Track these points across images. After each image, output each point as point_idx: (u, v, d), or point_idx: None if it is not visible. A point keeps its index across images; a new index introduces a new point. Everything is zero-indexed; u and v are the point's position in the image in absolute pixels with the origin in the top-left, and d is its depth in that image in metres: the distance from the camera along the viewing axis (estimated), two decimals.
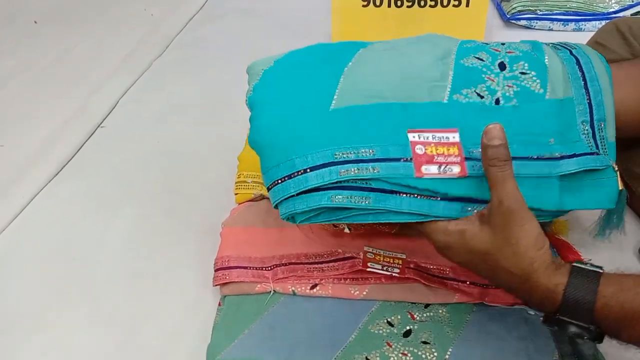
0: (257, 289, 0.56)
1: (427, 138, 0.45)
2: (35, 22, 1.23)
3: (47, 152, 0.83)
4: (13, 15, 1.28)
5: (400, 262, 0.56)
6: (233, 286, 0.57)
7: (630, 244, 0.64)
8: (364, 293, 0.56)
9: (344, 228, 0.57)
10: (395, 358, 0.50)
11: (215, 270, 0.58)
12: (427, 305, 0.55)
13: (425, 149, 0.45)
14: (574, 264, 0.42)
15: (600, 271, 0.42)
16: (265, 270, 0.57)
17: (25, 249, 0.68)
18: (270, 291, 0.56)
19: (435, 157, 0.45)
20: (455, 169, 0.45)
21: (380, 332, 0.53)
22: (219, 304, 0.56)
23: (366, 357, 0.50)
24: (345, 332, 0.52)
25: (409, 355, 0.50)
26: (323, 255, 0.58)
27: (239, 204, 0.68)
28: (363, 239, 0.60)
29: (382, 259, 0.57)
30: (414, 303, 0.55)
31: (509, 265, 0.42)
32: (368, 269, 0.56)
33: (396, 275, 0.55)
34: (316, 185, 0.45)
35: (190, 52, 1.11)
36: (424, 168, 0.44)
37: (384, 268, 0.56)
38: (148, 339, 0.56)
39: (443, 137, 0.45)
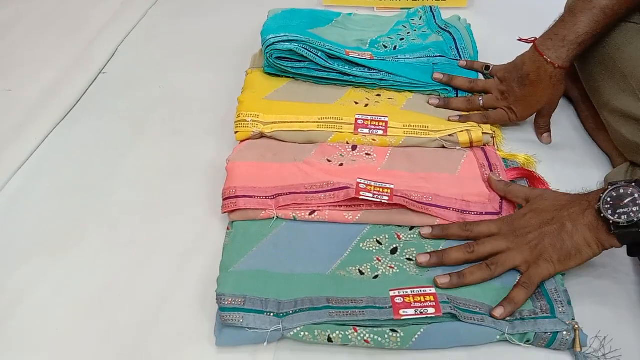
0: (261, 215, 0.63)
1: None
2: None
3: (54, 96, 0.88)
4: None
5: (388, 191, 0.64)
6: (240, 213, 0.63)
7: (594, 178, 0.72)
8: (357, 218, 0.63)
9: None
10: (383, 269, 0.58)
11: (224, 199, 0.64)
12: (411, 228, 0.63)
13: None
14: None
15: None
16: (269, 199, 0.64)
17: (41, 185, 0.73)
18: (274, 217, 0.63)
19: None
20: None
21: (371, 249, 0.60)
22: (228, 229, 0.63)
23: (359, 269, 0.58)
24: (340, 249, 0.60)
25: (396, 268, 0.58)
26: (320, 185, 0.64)
27: (240, 142, 0.73)
28: (354, 173, 0.67)
29: (372, 188, 0.64)
30: (400, 226, 0.63)
31: None
32: (360, 197, 0.62)
33: (385, 202, 0.62)
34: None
35: (183, 1, 1.14)
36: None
37: (375, 196, 0.63)
38: (165, 259, 0.62)
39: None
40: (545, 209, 0.57)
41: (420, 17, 0.98)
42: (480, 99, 0.77)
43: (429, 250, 0.60)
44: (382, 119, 0.74)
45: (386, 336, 0.51)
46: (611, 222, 0.52)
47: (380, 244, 0.61)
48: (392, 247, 0.60)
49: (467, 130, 0.72)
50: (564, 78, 0.71)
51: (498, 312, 0.53)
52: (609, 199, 0.53)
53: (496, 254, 0.57)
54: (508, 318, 0.53)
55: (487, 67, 0.80)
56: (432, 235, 0.61)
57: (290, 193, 0.64)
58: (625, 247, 0.55)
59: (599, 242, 0.54)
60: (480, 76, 0.82)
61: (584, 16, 0.66)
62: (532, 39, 0.72)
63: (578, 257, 0.54)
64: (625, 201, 0.52)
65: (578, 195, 0.57)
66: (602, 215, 0.53)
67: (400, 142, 0.72)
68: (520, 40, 0.75)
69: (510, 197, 0.64)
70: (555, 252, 0.55)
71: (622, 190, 0.53)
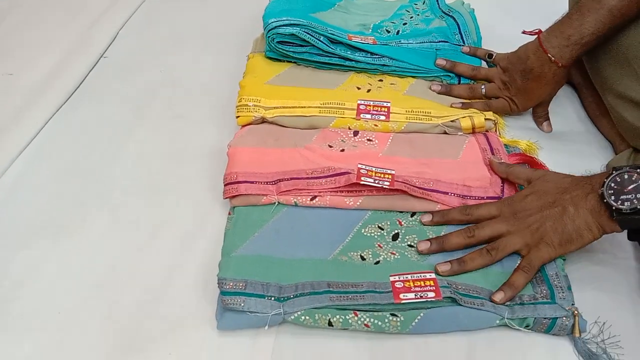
0: (263, 200, 0.63)
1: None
2: None
3: (55, 80, 0.87)
4: None
5: (389, 176, 0.63)
6: (241, 198, 0.63)
7: (596, 166, 0.72)
8: (358, 203, 0.63)
9: None
10: (385, 255, 0.58)
11: (225, 185, 0.64)
12: (413, 214, 0.63)
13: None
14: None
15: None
16: (270, 184, 0.64)
17: (42, 169, 0.73)
18: (275, 202, 0.63)
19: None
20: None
21: (372, 235, 0.61)
22: (229, 214, 0.63)
23: (360, 254, 0.58)
24: (342, 234, 0.60)
25: (397, 254, 0.59)
26: (322, 171, 0.64)
27: (242, 126, 0.73)
28: (356, 158, 0.67)
29: (374, 174, 0.64)
30: (402, 212, 0.63)
31: None
32: (361, 182, 0.62)
33: (386, 187, 0.62)
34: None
35: None
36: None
37: (376, 181, 0.63)
38: (166, 244, 0.63)
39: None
40: (547, 191, 0.57)
41: (424, 2, 0.97)
42: (483, 87, 0.76)
43: (430, 236, 0.60)
44: (385, 104, 0.74)
45: (386, 320, 0.52)
46: (614, 208, 0.52)
47: (382, 229, 0.61)
48: (393, 233, 0.61)
49: (469, 116, 0.72)
50: (565, 74, 0.71)
51: (498, 296, 0.53)
52: (613, 184, 0.53)
53: (496, 238, 0.57)
54: (508, 303, 0.54)
55: (490, 54, 0.79)
56: (432, 222, 0.61)
57: (292, 178, 0.64)
58: (625, 231, 0.55)
59: (600, 226, 0.54)
60: (483, 63, 0.81)
61: (590, 16, 0.65)
62: (537, 31, 0.72)
63: (579, 241, 0.54)
64: (629, 188, 0.52)
65: (581, 178, 0.57)
66: (604, 200, 0.52)
67: (402, 128, 0.72)
68: (524, 32, 0.74)
69: (512, 178, 0.64)
70: (556, 236, 0.55)
71: (626, 176, 0.52)
